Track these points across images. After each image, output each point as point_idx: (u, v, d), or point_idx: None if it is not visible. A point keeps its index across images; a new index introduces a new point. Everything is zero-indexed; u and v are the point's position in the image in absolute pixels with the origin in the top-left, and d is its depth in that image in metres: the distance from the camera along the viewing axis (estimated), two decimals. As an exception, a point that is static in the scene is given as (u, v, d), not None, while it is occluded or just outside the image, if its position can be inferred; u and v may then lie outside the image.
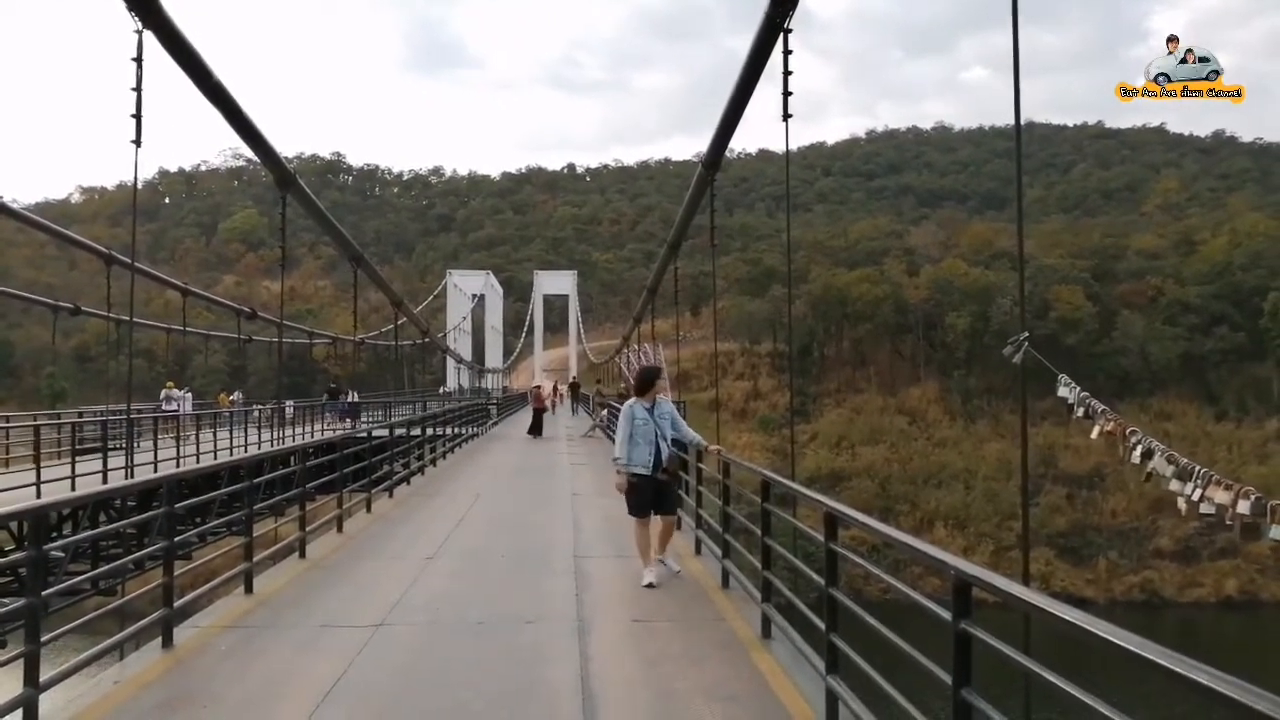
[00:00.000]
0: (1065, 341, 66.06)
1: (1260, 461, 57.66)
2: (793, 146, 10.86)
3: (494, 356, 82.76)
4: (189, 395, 28.98)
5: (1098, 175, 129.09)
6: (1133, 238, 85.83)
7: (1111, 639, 2.27)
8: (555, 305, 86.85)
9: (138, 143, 11.60)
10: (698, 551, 9.15)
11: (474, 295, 78.17)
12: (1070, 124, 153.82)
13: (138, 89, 11.30)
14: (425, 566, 8.74)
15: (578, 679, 5.38)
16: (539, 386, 35.87)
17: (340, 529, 10.77)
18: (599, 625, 6.60)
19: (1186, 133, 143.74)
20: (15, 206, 20.31)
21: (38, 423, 16.70)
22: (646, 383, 8.27)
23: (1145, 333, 68.99)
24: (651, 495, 7.96)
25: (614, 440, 8.72)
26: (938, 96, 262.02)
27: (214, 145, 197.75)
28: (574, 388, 49.16)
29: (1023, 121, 7.70)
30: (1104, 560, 54.23)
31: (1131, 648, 2.18)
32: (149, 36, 11.26)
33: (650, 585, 7.63)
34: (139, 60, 11.14)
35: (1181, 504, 8.73)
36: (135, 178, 12.31)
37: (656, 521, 8.04)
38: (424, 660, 5.91)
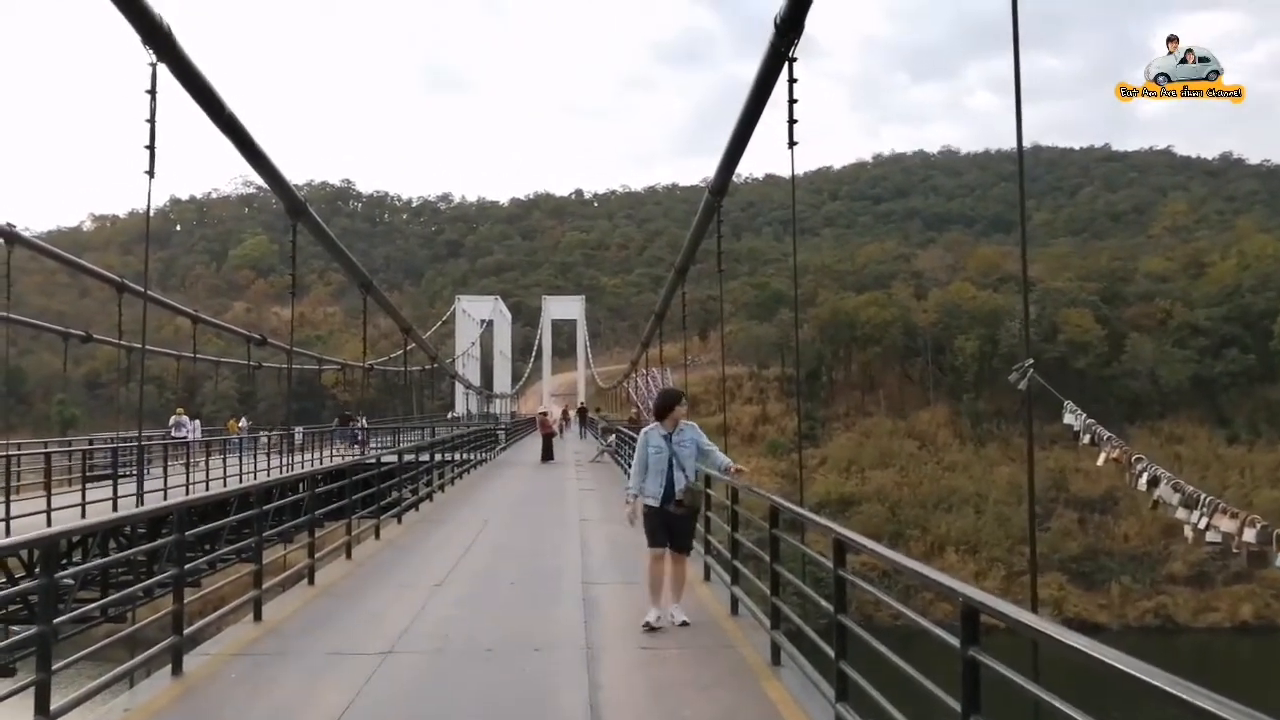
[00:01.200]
0: (1074, 365, 65.93)
1: (1273, 485, 57.26)
2: (799, 171, 10.92)
3: (502, 382, 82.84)
4: (197, 423, 29.11)
5: (1105, 198, 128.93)
6: (1141, 260, 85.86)
7: (1116, 665, 2.27)
8: (563, 330, 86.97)
9: (151, 173, 11.67)
10: (706, 578, 9.12)
11: (482, 321, 78.38)
12: (1077, 147, 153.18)
13: (151, 121, 11.39)
14: (434, 593, 8.74)
15: (587, 706, 5.36)
16: (545, 412, 35.96)
17: (349, 556, 10.77)
18: (608, 652, 6.57)
19: (1194, 155, 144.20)
20: (27, 234, 20.48)
21: (49, 450, 16.75)
22: (665, 407, 7.59)
23: (1155, 355, 68.74)
24: (662, 529, 7.33)
25: (624, 467, 8.61)
26: (944, 120, 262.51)
27: (225, 172, 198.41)
28: (582, 413, 49.46)
29: (1028, 145, 7.75)
30: (1117, 585, 53.77)
31: (1136, 673, 2.18)
32: (162, 69, 11.38)
33: (648, 625, 7.02)
34: (153, 93, 11.24)
35: (1188, 532, 8.66)
36: (148, 209, 12.37)
37: (669, 558, 7.33)
38: (433, 688, 5.91)
